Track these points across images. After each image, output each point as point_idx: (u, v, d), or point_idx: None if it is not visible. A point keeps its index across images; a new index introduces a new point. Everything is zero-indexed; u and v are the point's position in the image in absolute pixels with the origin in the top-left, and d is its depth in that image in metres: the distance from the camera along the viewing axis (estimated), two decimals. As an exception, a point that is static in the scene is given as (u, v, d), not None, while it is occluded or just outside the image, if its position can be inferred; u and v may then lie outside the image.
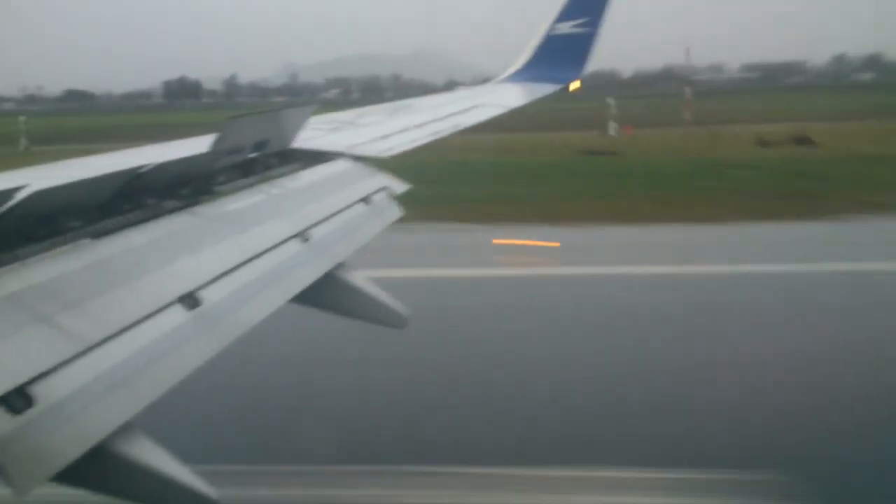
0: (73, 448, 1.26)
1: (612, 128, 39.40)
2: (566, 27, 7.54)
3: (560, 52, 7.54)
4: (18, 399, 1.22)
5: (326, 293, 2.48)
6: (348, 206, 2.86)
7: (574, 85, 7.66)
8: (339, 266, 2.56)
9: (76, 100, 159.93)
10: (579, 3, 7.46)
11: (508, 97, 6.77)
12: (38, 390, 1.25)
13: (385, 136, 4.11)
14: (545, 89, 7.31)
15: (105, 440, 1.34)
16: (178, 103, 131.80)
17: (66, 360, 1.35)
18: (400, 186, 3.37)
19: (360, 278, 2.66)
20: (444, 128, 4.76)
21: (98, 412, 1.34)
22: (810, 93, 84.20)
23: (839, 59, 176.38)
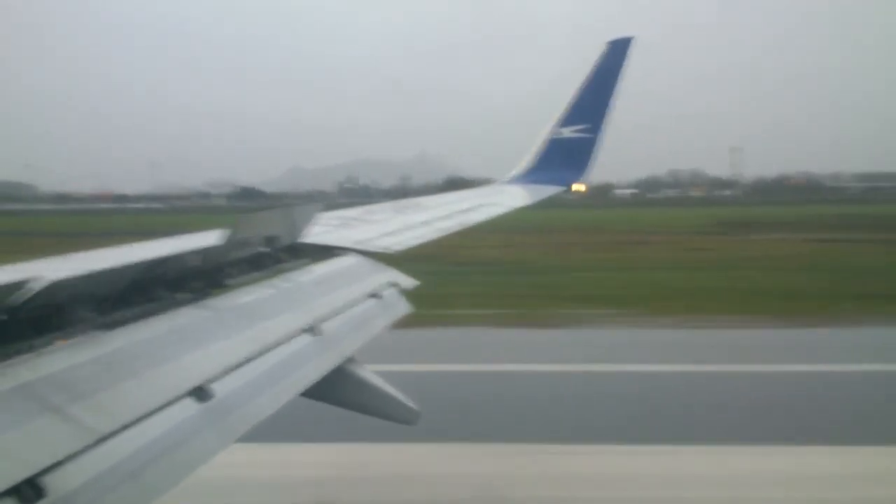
0: None
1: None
2: (569, 132, 7.80)
3: (564, 155, 7.77)
4: (29, 490, 1.20)
5: (336, 387, 2.45)
6: (357, 301, 2.87)
7: (577, 187, 7.84)
8: (349, 360, 2.55)
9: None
10: (581, 110, 7.75)
11: (515, 197, 6.92)
12: (49, 481, 1.23)
13: (393, 233, 4.17)
14: (549, 190, 7.48)
15: None
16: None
17: (77, 452, 1.33)
18: (408, 282, 3.39)
19: (370, 372, 2.63)
20: (451, 225, 4.84)
21: None
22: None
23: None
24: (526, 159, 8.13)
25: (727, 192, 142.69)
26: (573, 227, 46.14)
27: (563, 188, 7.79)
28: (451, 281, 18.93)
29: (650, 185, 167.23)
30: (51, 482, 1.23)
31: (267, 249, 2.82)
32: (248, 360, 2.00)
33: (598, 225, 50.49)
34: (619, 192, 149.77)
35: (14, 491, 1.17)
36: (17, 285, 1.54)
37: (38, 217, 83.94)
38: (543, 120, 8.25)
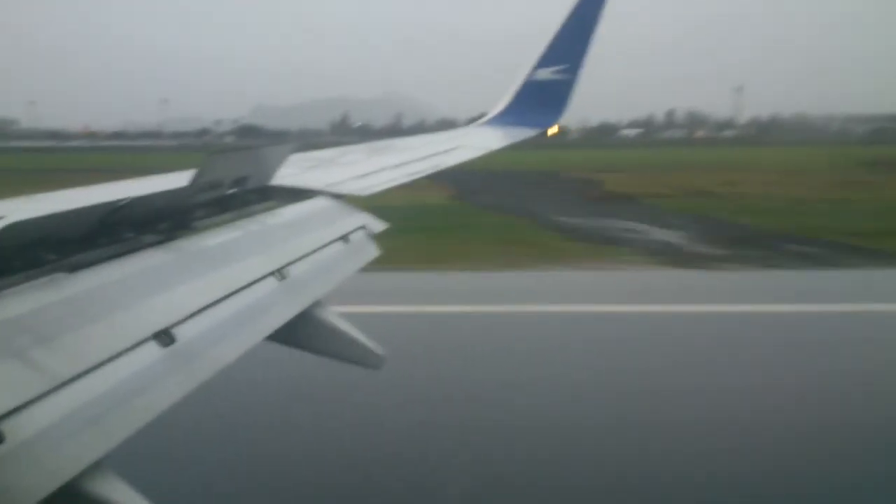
0: (42, 487, 1.23)
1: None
2: (546, 73, 7.70)
3: (539, 98, 7.69)
4: None
5: (302, 332, 2.47)
6: (326, 245, 2.87)
7: (552, 130, 7.80)
8: (316, 304, 2.56)
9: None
10: (559, 50, 7.64)
11: (488, 140, 6.87)
12: (7, 427, 1.23)
13: (365, 175, 4.14)
14: (524, 133, 7.44)
15: (75, 479, 1.31)
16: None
17: (38, 397, 1.33)
18: (378, 225, 3.39)
19: (336, 317, 2.65)
20: (424, 168, 4.81)
21: (69, 450, 1.32)
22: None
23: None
24: (502, 101, 8.05)
25: (728, 133, 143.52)
26: (670, 167, 46.39)
27: (539, 130, 7.74)
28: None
29: (648, 125, 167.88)
30: (9, 428, 1.23)
31: (235, 191, 2.79)
32: (214, 303, 2.00)
33: (689, 164, 51.31)
34: (625, 132, 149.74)
35: None
36: None
37: (18, 154, 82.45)
38: (522, 60, 8.13)
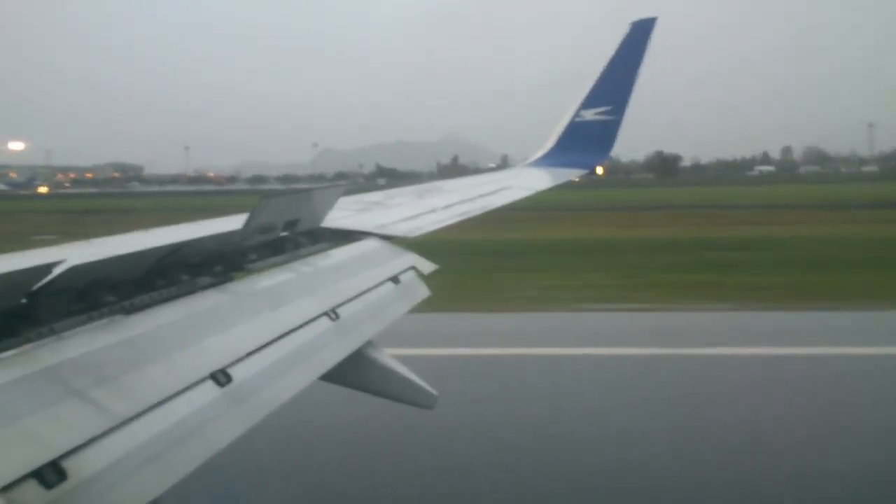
0: None
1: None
2: (590, 114, 7.73)
3: (585, 138, 7.70)
4: (52, 473, 1.21)
5: (355, 371, 2.47)
6: (377, 285, 2.88)
7: (600, 169, 7.79)
8: (368, 344, 2.56)
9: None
10: (603, 92, 7.67)
11: (535, 180, 6.88)
12: (71, 465, 1.25)
13: (413, 217, 4.16)
14: (571, 173, 7.43)
15: None
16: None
17: (99, 435, 1.35)
18: (427, 266, 3.39)
19: (388, 357, 2.64)
20: (472, 209, 4.82)
21: (129, 488, 1.33)
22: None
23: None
24: (549, 142, 8.08)
25: (869, 168, 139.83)
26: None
27: (586, 171, 7.73)
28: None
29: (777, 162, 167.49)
30: (73, 465, 1.25)
31: (288, 233, 2.83)
32: (268, 343, 2.01)
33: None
34: (760, 168, 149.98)
35: (36, 474, 1.19)
36: (40, 269, 1.57)
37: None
38: (570, 101, 8.17)
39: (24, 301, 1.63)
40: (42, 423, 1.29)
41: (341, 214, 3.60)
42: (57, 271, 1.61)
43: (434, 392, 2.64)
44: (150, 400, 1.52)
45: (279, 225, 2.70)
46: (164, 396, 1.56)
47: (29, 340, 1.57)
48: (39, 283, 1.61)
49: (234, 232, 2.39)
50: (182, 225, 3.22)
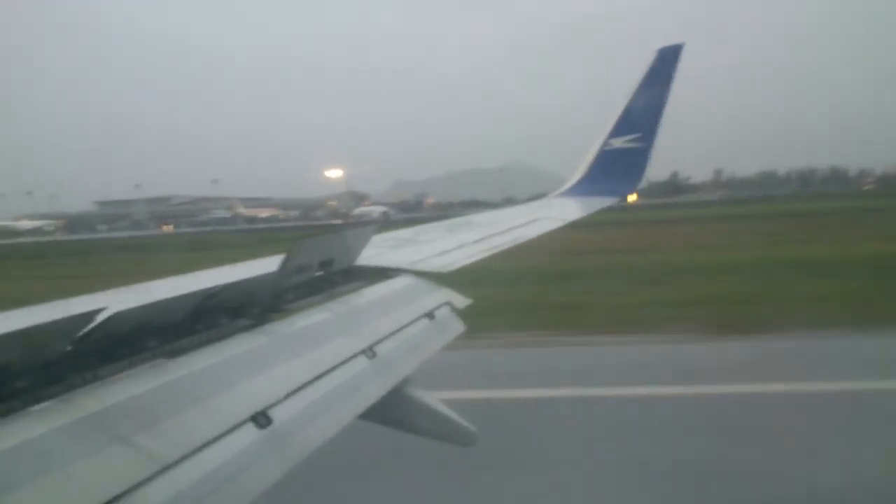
0: None
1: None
2: (619, 142, 7.71)
3: (615, 167, 7.68)
4: None
5: (394, 409, 2.46)
6: (412, 321, 2.88)
7: (632, 197, 7.75)
8: (406, 381, 2.55)
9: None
10: (632, 120, 7.66)
11: (567, 210, 6.86)
12: None
13: (445, 252, 4.17)
14: (603, 202, 7.40)
15: None
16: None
17: (144, 481, 1.36)
18: (462, 301, 3.39)
19: (427, 394, 2.63)
20: (504, 241, 4.82)
21: None
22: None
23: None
24: (579, 171, 8.07)
25: None
26: None
27: (618, 199, 7.70)
28: None
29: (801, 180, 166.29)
30: None
31: (323, 273, 2.85)
32: (307, 384, 2.02)
33: None
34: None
35: None
36: (84, 317, 1.60)
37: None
38: (598, 130, 8.16)
39: (69, 348, 1.66)
40: (88, 470, 1.31)
41: (374, 252, 3.63)
42: (100, 318, 1.65)
43: (473, 429, 2.62)
44: (193, 444, 1.53)
45: (314, 265, 2.73)
46: (207, 440, 1.57)
47: (74, 386, 1.60)
48: (83, 330, 1.64)
49: (271, 273, 2.42)
50: (221, 268, 3.27)
